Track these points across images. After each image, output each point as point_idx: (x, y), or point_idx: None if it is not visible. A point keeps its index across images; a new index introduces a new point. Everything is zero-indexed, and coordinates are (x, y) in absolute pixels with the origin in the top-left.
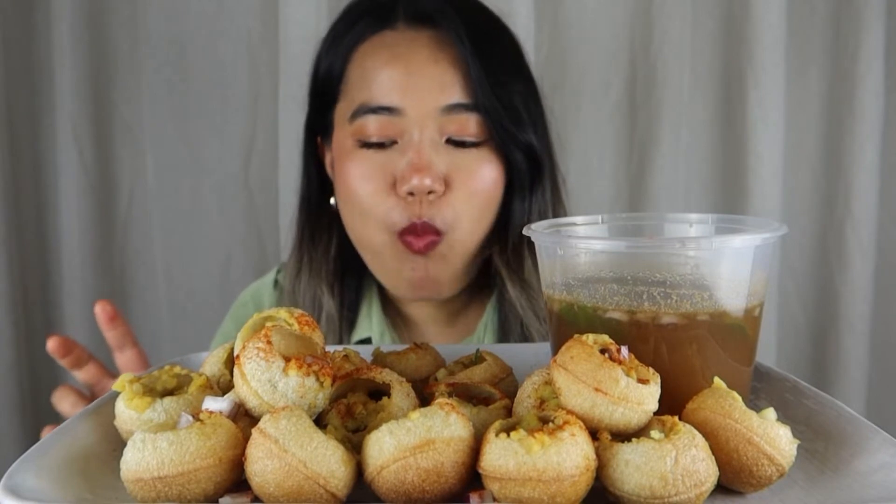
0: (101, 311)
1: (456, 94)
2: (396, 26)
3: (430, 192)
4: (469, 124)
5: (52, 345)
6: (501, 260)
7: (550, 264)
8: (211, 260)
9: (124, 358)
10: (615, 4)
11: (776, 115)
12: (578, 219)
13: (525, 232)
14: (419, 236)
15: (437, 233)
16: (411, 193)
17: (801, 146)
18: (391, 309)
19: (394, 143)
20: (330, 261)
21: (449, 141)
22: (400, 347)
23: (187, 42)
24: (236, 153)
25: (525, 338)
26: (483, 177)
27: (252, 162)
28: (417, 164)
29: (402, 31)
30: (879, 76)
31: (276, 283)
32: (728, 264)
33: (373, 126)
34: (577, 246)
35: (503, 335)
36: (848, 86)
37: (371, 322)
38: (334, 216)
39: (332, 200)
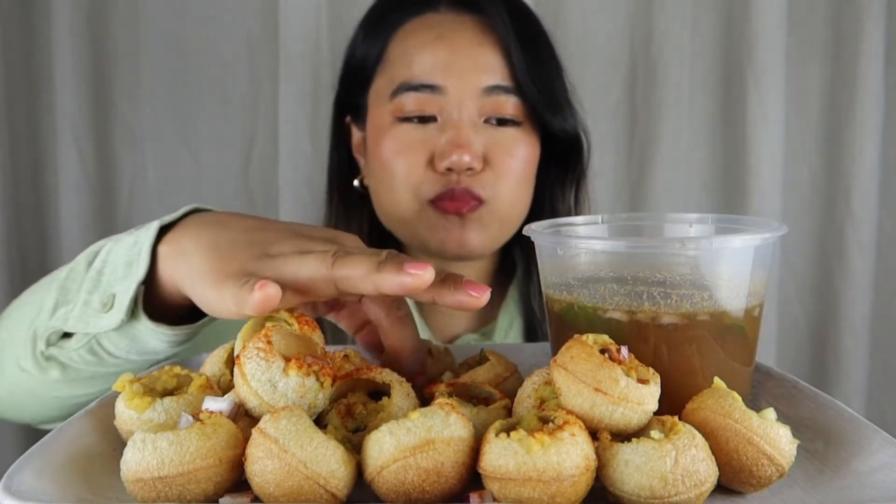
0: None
1: (497, 76)
2: (439, 9)
3: (468, 169)
4: (507, 106)
5: None
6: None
7: (550, 264)
8: None
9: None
10: (615, 4)
11: (776, 115)
12: (578, 219)
13: (525, 232)
14: (457, 200)
15: (480, 200)
16: (450, 169)
17: (801, 146)
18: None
19: (432, 120)
20: (364, 236)
21: (487, 121)
22: None
23: (187, 42)
24: (236, 153)
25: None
26: (520, 156)
27: (252, 162)
28: (457, 140)
29: (445, 13)
30: (879, 76)
31: None
32: (728, 264)
33: (413, 103)
34: (577, 246)
35: (527, 310)
36: (848, 86)
37: None
38: (363, 197)
39: (355, 182)
